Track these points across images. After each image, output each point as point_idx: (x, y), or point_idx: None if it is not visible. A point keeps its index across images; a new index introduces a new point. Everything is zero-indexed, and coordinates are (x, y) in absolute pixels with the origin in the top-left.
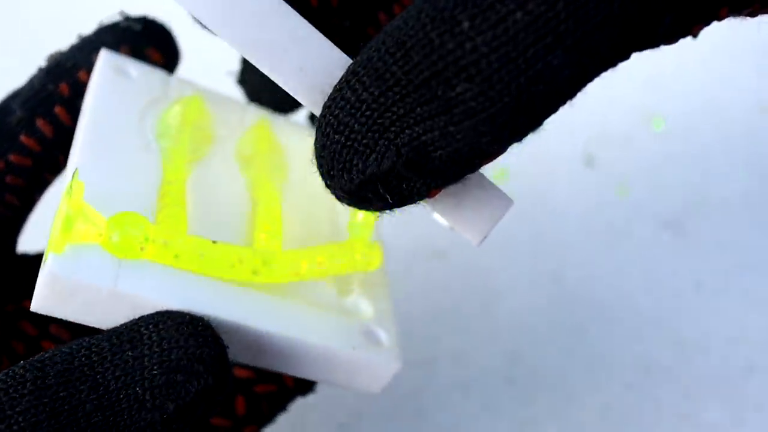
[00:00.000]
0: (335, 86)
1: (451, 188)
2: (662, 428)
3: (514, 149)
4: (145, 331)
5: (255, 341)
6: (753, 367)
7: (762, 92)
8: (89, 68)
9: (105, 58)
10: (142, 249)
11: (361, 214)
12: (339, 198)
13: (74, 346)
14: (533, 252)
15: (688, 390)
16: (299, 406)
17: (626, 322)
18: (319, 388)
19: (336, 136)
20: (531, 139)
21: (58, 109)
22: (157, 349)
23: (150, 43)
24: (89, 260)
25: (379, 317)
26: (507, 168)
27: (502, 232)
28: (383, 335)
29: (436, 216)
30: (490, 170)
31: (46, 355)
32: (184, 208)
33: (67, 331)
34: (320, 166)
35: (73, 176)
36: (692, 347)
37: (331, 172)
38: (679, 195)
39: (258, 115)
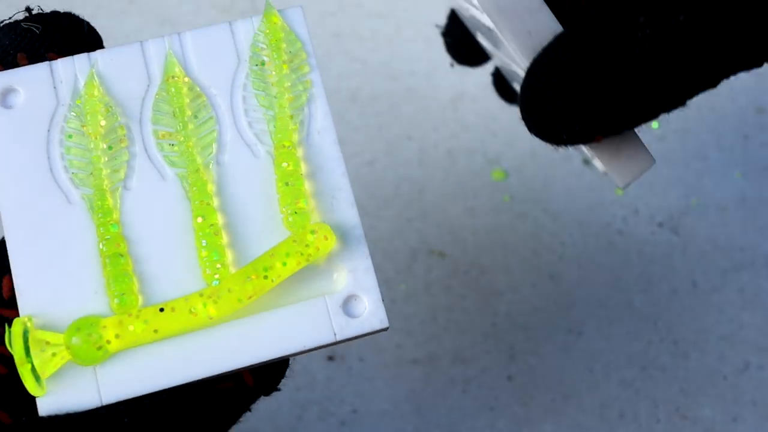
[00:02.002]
0: (545, 47)
1: (611, 138)
2: (659, 426)
3: (515, 150)
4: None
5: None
6: (748, 365)
7: (758, 93)
8: None
9: None
10: (103, 348)
11: (288, 202)
12: (530, 129)
13: None
14: (532, 251)
15: (684, 387)
16: (299, 404)
17: (623, 320)
18: (319, 388)
19: (538, 84)
20: (531, 139)
21: None
22: None
23: (51, 47)
24: (70, 388)
25: (353, 281)
26: (506, 169)
27: (502, 232)
28: (362, 301)
29: (594, 159)
30: (488, 171)
31: None
32: (127, 274)
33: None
34: (522, 103)
35: (13, 327)
36: (688, 346)
37: (529, 108)
38: (676, 195)
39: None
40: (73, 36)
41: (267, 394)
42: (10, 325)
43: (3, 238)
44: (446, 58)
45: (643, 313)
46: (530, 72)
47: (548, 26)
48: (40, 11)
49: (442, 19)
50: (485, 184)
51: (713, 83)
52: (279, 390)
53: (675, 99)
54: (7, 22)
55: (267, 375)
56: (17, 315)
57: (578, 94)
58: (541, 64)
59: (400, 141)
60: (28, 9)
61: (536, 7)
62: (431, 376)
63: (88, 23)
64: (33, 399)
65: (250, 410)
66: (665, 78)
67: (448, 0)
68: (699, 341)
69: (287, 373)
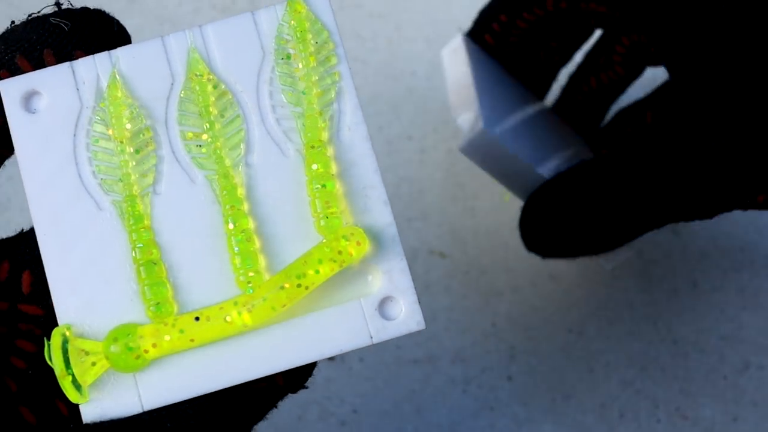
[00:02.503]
0: (541, 187)
1: None
2: (659, 426)
3: None
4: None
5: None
6: (748, 365)
7: None
8: (11, 68)
9: (8, 98)
10: (141, 357)
11: (320, 206)
12: (528, 250)
13: None
14: None
15: (684, 387)
16: (300, 404)
17: (623, 321)
18: (319, 388)
19: (535, 218)
20: None
21: None
22: None
23: (79, 45)
24: (111, 395)
25: (389, 283)
26: None
27: (502, 232)
28: (398, 303)
29: None
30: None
31: None
32: (162, 282)
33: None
34: (522, 232)
35: (52, 339)
36: (688, 345)
37: (528, 238)
38: None
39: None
40: (102, 35)
41: (294, 392)
42: (29, 321)
43: (21, 232)
44: None
45: (643, 313)
46: (527, 208)
47: (525, 174)
48: (70, 6)
49: (443, 19)
50: (485, 184)
51: (709, 216)
52: (306, 388)
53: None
54: (35, 15)
55: (295, 374)
56: (37, 311)
57: (573, 232)
58: (537, 203)
59: (400, 141)
60: (57, 4)
61: (508, 158)
62: (431, 376)
63: (117, 21)
64: (55, 395)
65: (276, 407)
66: (652, 218)
67: (449, 0)
68: (699, 341)
69: None
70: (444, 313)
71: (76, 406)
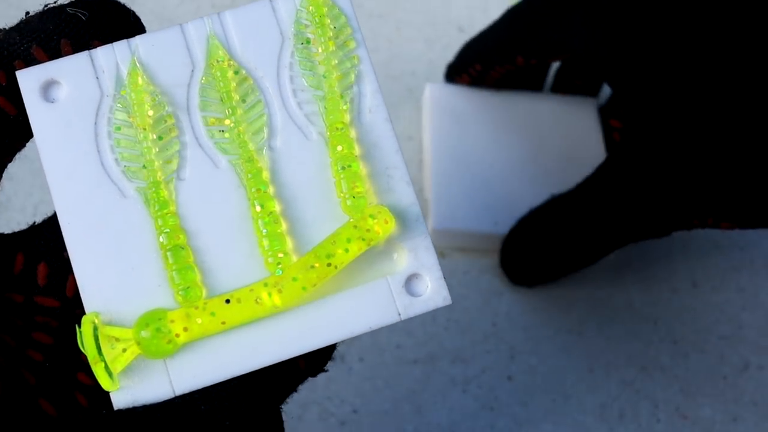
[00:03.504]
0: (518, 224)
1: None
2: (659, 425)
3: None
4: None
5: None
6: (748, 365)
7: None
8: (27, 59)
9: (26, 88)
10: (172, 342)
11: (345, 186)
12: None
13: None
14: None
15: (684, 387)
16: (300, 404)
17: (623, 320)
18: (319, 388)
19: (515, 252)
20: None
21: None
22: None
23: (96, 35)
24: (142, 381)
25: (414, 260)
26: None
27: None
28: (423, 279)
29: None
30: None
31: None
32: (190, 266)
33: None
34: (503, 266)
35: (83, 327)
36: (688, 345)
37: (509, 272)
38: None
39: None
40: (119, 25)
41: (314, 375)
42: (45, 314)
43: (33, 224)
44: (446, 59)
45: (643, 313)
46: (504, 249)
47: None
48: None
49: (443, 19)
50: None
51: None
52: (326, 371)
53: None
54: (51, 5)
55: (315, 358)
56: (53, 303)
57: (550, 261)
58: (514, 241)
59: (400, 141)
60: None
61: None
62: (431, 376)
63: (133, 12)
64: (74, 387)
65: (297, 391)
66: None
67: (448, 0)
68: (699, 341)
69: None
70: (444, 313)
71: (96, 397)
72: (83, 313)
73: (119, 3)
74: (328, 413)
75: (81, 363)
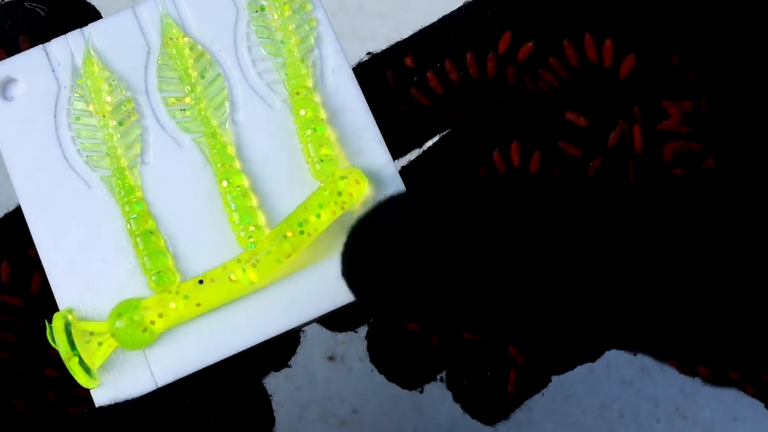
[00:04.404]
0: None
1: None
2: (659, 425)
3: None
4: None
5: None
6: None
7: None
8: None
9: None
10: (148, 330)
11: (312, 150)
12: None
13: None
14: None
15: (684, 387)
16: (300, 404)
17: None
18: (319, 388)
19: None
20: None
21: None
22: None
23: (56, 31)
24: (122, 375)
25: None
26: None
27: None
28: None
29: None
30: None
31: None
32: (161, 250)
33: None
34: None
35: (54, 323)
36: None
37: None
38: None
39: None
40: (79, 20)
41: (277, 369)
42: (9, 313)
43: (1, 218)
44: None
45: None
46: None
47: None
48: None
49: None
50: None
51: None
52: (289, 367)
53: None
54: (9, 0)
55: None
56: (18, 301)
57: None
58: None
59: None
60: None
61: None
62: None
63: (94, 7)
64: (44, 384)
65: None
66: None
67: (448, 0)
68: None
69: (287, 372)
70: None
71: (65, 392)
72: (50, 310)
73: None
74: (328, 413)
75: (48, 358)
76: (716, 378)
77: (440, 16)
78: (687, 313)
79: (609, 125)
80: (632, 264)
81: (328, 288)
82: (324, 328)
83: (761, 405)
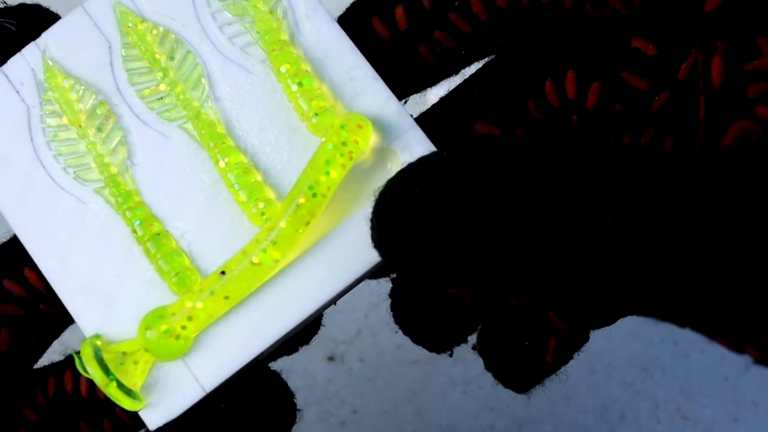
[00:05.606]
0: None
1: None
2: (659, 426)
3: None
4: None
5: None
6: (749, 365)
7: None
8: None
9: None
10: (181, 336)
11: (305, 105)
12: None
13: None
14: None
15: (685, 388)
16: (300, 404)
17: (624, 321)
18: (319, 388)
19: None
20: None
21: None
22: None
23: (28, 43)
24: (169, 390)
25: (411, 158)
26: None
27: None
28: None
29: None
30: None
31: None
32: (174, 250)
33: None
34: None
35: (82, 352)
36: (689, 346)
37: None
38: None
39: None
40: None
41: (289, 353)
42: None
43: None
44: None
45: None
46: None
47: None
48: (4, 4)
49: None
50: None
51: None
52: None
53: None
54: None
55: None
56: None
57: None
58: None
59: None
60: (3, 2)
61: None
62: (431, 377)
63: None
64: (42, 385)
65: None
66: None
67: None
68: (699, 341)
69: (286, 373)
70: None
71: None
72: (43, 320)
73: (47, 9)
74: (328, 413)
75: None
76: (765, 360)
77: None
78: (747, 295)
79: (680, 56)
80: (689, 249)
81: (357, 249)
82: (324, 329)
83: (761, 406)
